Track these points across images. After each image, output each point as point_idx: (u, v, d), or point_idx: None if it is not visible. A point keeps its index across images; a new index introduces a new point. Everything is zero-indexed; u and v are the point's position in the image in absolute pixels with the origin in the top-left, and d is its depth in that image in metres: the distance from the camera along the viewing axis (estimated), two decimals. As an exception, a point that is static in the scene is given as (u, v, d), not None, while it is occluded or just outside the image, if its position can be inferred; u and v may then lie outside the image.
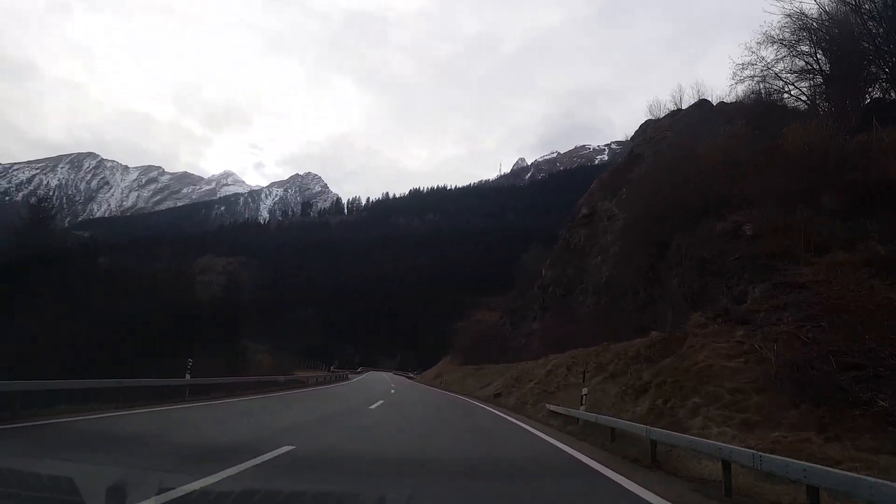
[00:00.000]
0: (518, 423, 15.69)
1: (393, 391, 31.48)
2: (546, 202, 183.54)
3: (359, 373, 76.68)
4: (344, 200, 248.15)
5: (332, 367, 58.66)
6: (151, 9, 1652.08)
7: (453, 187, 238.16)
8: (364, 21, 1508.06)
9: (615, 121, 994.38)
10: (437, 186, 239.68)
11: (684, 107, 46.80)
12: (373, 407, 18.73)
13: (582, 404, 14.01)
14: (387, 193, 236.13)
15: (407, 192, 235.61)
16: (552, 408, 16.43)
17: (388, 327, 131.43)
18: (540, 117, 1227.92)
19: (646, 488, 6.41)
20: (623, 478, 7.10)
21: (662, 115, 49.53)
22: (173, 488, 4.17)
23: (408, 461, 7.98)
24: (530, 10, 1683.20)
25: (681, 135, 35.92)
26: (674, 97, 53.71)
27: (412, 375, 76.54)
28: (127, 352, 19.71)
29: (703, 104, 44.03)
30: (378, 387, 35.51)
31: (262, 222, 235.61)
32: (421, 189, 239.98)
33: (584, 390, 14.47)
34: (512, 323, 51.57)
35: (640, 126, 57.16)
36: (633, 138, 59.49)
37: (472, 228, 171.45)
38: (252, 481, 5.40)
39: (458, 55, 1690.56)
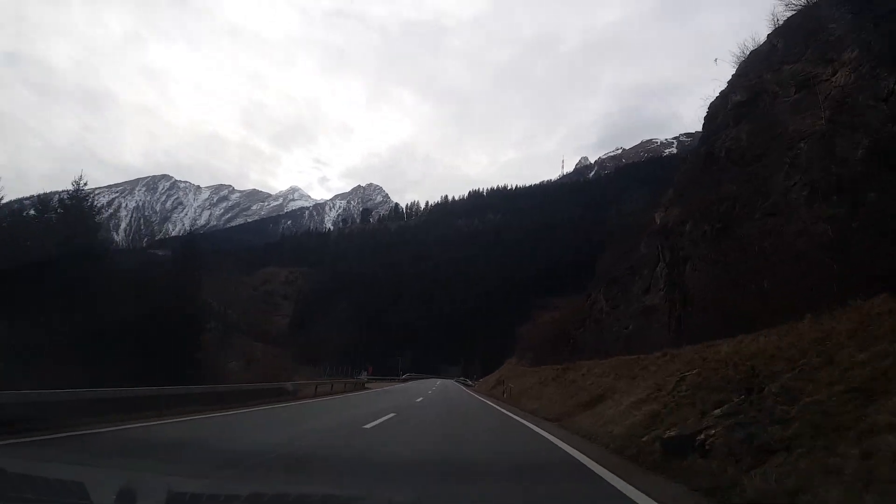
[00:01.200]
0: None
1: (380, 421, 22.02)
2: (615, 195, 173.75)
3: (392, 382, 61.03)
4: (402, 206, 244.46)
5: (362, 374, 49.57)
6: (219, 32, 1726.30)
7: (514, 187, 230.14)
8: (421, 30, 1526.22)
9: (682, 114, 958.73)
10: (497, 187, 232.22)
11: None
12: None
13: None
14: (445, 196, 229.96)
15: (466, 195, 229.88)
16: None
17: (450, 332, 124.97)
18: (601, 115, 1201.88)
19: None
20: None
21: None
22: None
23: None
24: (588, 7, 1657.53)
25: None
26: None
27: (470, 383, 68.94)
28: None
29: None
30: (381, 403, 23.66)
31: (322, 232, 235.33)
32: (480, 190, 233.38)
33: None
34: (610, 301, 31.28)
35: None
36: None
37: (534, 226, 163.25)
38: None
39: (516, 58, 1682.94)
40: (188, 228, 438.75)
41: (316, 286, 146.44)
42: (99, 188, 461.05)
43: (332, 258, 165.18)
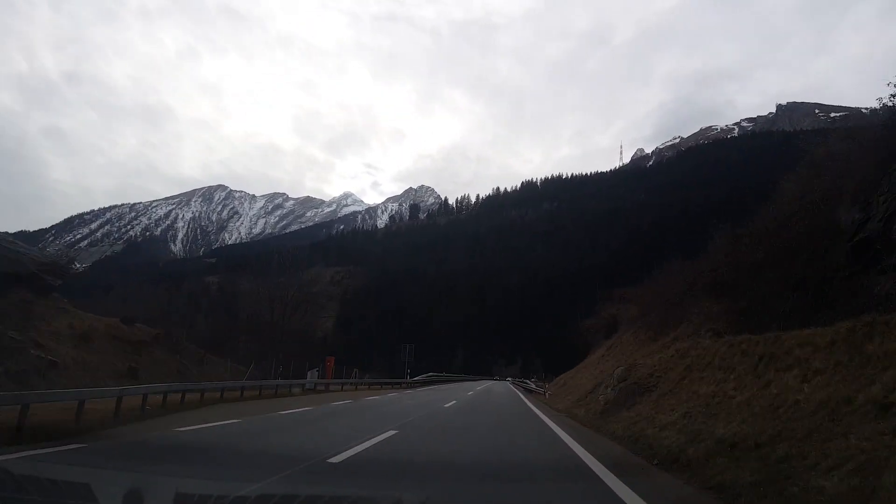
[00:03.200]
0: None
1: None
2: (679, 181, 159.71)
3: (381, 390, 36.57)
4: (452, 202, 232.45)
5: (311, 375, 28.68)
6: (271, 43, 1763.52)
7: (569, 175, 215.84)
8: (472, 29, 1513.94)
9: (739, 101, 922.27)
10: (552, 176, 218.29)
11: None
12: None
13: None
14: (497, 189, 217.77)
15: (519, 186, 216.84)
16: None
17: (505, 328, 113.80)
18: (657, 106, 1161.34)
19: None
20: None
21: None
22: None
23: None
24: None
25: None
26: None
27: (534, 385, 46.92)
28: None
29: None
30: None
31: (369, 230, 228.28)
32: (534, 180, 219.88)
33: None
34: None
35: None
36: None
37: (594, 215, 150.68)
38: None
39: (569, 52, 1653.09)
40: (244, 237, 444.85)
41: (362, 286, 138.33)
42: (156, 201, 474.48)
43: (379, 257, 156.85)
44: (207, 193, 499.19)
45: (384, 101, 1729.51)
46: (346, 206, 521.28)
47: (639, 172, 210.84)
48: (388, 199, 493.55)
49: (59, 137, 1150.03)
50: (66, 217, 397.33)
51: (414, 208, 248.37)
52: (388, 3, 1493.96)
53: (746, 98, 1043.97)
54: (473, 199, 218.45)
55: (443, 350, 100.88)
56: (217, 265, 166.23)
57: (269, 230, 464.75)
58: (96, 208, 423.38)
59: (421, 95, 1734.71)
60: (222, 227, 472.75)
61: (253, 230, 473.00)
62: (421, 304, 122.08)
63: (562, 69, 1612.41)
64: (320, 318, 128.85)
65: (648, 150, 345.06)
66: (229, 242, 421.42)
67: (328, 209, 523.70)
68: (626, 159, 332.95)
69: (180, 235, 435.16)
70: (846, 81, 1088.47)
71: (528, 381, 55.73)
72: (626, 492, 5.83)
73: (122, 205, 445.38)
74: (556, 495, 6.32)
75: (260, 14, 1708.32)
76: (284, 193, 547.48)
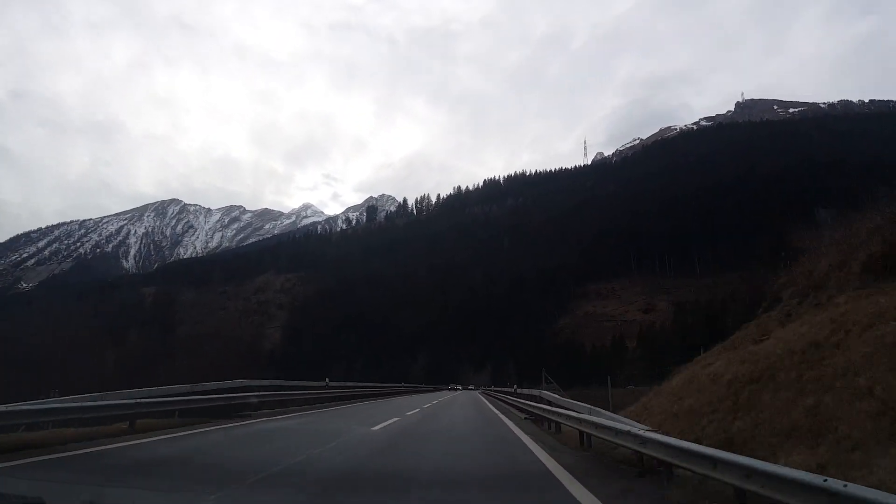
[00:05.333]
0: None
1: None
2: (651, 172, 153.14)
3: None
4: (411, 203, 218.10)
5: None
6: (226, 54, 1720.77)
7: (533, 172, 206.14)
8: (429, 38, 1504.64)
9: (695, 104, 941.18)
10: (515, 173, 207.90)
11: None
12: None
13: None
14: (458, 188, 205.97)
15: (481, 184, 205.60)
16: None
17: (471, 331, 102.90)
18: (616, 110, 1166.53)
19: None
20: None
21: None
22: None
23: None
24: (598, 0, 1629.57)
25: None
26: None
27: (544, 405, 17.34)
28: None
29: None
30: None
31: (323, 234, 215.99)
32: (496, 178, 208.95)
33: None
34: None
35: None
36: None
37: (563, 208, 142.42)
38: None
39: (528, 58, 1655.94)
40: (200, 251, 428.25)
41: (315, 293, 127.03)
42: (107, 217, 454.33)
43: (333, 261, 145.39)
44: (161, 208, 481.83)
45: (344, 111, 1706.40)
46: (306, 217, 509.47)
47: (605, 167, 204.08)
48: (349, 209, 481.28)
49: (4, 157, 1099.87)
50: (11, 236, 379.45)
51: (371, 210, 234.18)
52: (344, 12, 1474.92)
53: (702, 100, 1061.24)
54: (434, 200, 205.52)
55: (402, 357, 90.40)
56: (155, 275, 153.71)
57: (225, 244, 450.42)
58: (43, 226, 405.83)
59: (381, 105, 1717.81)
60: (177, 241, 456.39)
61: (209, 244, 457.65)
62: (379, 310, 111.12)
63: (521, 76, 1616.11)
64: (268, 329, 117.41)
65: (608, 153, 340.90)
66: (184, 257, 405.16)
67: (287, 221, 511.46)
68: (589, 160, 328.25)
69: (132, 252, 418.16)
70: (798, 81, 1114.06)
71: (512, 392, 33.48)
72: None
73: (72, 221, 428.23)
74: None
75: (212, 24, 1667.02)
76: (241, 206, 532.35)
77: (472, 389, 69.57)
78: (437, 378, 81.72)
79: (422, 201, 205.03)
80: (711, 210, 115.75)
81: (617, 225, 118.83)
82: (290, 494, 5.79)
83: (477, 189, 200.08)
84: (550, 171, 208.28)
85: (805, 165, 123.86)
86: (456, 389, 67.76)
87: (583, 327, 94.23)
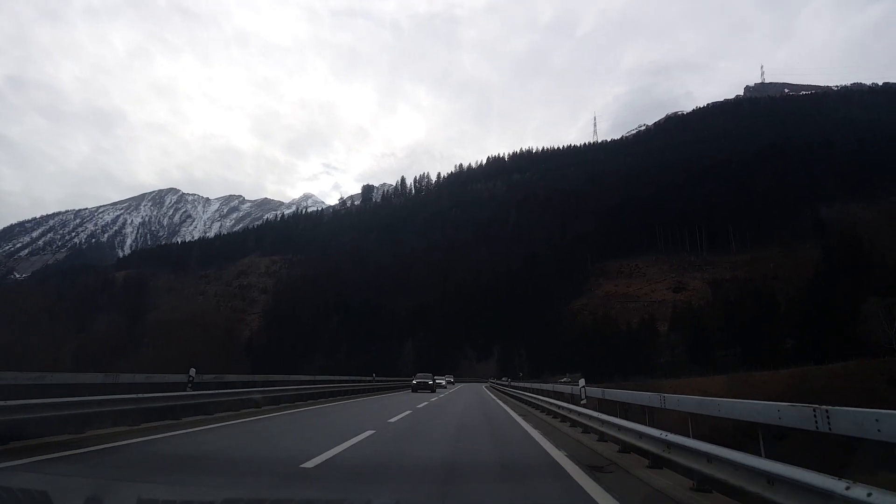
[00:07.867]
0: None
1: None
2: (672, 143, 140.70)
3: None
4: (409, 182, 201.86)
5: None
6: (227, 42, 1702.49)
7: (539, 149, 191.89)
8: (434, 23, 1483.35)
9: (702, 92, 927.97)
10: (521, 150, 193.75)
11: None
12: None
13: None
14: (460, 165, 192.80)
15: (484, 161, 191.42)
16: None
17: (474, 314, 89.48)
18: (621, 97, 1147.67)
19: None
20: None
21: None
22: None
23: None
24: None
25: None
26: None
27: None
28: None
29: None
30: None
31: (314, 215, 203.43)
32: (501, 155, 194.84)
33: None
34: None
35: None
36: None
37: (576, 180, 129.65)
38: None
39: (533, 45, 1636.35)
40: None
41: (302, 276, 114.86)
42: (103, 206, 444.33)
43: (324, 243, 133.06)
44: (158, 197, 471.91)
45: (346, 99, 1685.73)
46: (307, 207, 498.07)
47: (619, 143, 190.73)
48: (350, 197, 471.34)
49: (4, 146, 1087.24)
50: (5, 226, 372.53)
51: (367, 189, 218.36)
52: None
53: (709, 89, 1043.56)
54: (434, 178, 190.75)
55: (390, 343, 78.17)
56: (131, 258, 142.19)
57: (224, 234, 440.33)
58: (38, 216, 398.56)
59: (383, 93, 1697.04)
60: (174, 231, 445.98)
61: (207, 234, 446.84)
62: (370, 293, 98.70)
63: (526, 63, 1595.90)
64: (249, 315, 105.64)
65: (615, 138, 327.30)
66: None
67: (287, 211, 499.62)
68: (599, 139, 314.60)
69: (129, 241, 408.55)
70: (807, 67, 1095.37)
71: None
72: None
73: (67, 211, 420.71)
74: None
75: (214, 11, 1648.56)
76: (241, 196, 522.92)
77: (451, 384, 50.30)
78: (431, 367, 68.79)
79: (421, 180, 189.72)
80: (745, 181, 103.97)
81: (639, 197, 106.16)
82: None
83: (480, 167, 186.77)
84: (557, 147, 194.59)
85: (842, 137, 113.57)
86: (425, 385, 33.45)
87: (604, 308, 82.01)
